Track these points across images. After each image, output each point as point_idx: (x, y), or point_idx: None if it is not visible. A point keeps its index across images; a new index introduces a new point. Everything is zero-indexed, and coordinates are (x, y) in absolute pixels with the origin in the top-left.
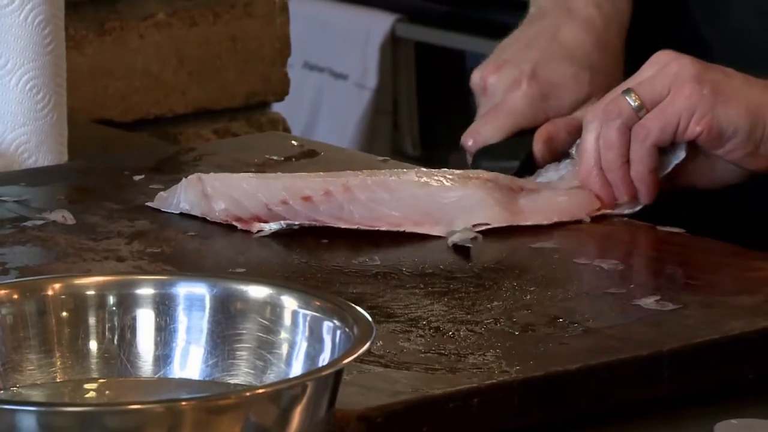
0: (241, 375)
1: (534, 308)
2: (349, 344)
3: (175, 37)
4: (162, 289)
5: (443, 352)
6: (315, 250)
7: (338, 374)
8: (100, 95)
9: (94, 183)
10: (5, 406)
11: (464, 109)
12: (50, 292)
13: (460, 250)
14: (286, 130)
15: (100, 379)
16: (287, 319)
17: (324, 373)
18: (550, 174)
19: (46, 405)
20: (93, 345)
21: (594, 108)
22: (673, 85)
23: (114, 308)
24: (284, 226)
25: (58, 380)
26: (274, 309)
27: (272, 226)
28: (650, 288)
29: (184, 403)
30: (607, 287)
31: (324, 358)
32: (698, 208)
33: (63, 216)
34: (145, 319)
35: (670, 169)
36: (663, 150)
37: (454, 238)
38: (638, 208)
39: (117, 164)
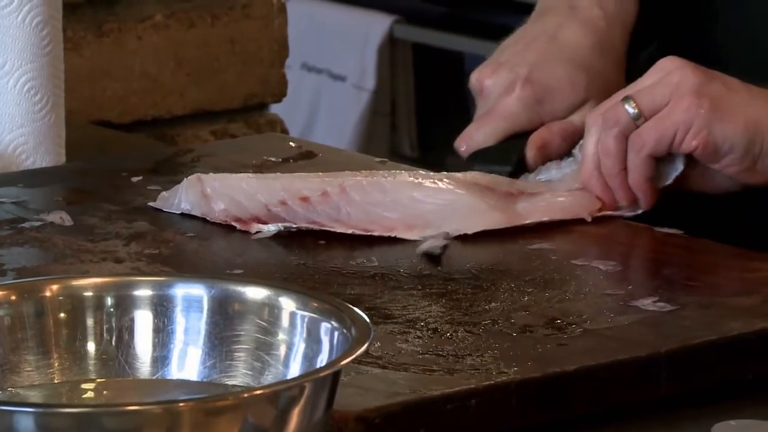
0: (239, 376)
1: (532, 309)
2: (347, 345)
3: (173, 38)
4: (160, 291)
5: (441, 353)
6: (313, 251)
7: (336, 375)
8: (98, 97)
9: (92, 184)
10: (3, 407)
11: (462, 111)
12: (48, 294)
13: (459, 251)
14: (284, 131)
15: (97, 380)
16: (285, 321)
17: (322, 374)
18: (552, 172)
19: (44, 406)
20: (91, 346)
21: (595, 112)
22: (672, 96)
23: (112, 309)
24: (282, 228)
25: (55, 381)
26: (272, 310)
27: (270, 228)
28: (648, 289)
29: (182, 404)
30: (605, 288)
31: (322, 360)
32: (696, 209)
33: (61, 217)
34: (143, 321)
35: (670, 181)
36: (662, 159)
37: (423, 247)
38: (639, 211)
39: (115, 166)
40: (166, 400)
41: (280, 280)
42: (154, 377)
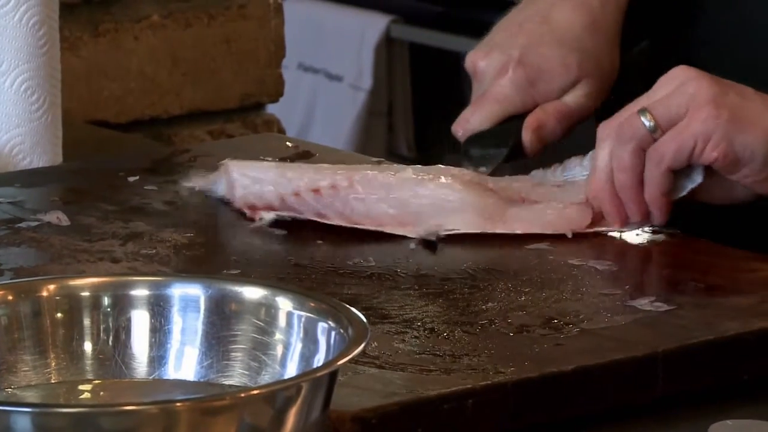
0: (236, 376)
1: (529, 309)
2: (344, 345)
3: (169, 38)
4: (157, 291)
5: (438, 353)
6: (310, 251)
7: (333, 375)
8: (94, 97)
9: (88, 184)
10: (0, 408)
11: (459, 111)
12: (45, 294)
13: (456, 250)
14: (281, 131)
15: (94, 380)
16: (282, 321)
17: (319, 374)
18: (575, 170)
19: (41, 406)
20: (88, 346)
21: (608, 124)
22: (690, 107)
23: (109, 309)
24: (275, 217)
25: (52, 381)
26: (268, 310)
27: (267, 216)
28: (645, 289)
29: (178, 404)
30: (602, 288)
31: (319, 360)
32: (693, 208)
33: (58, 217)
34: (140, 321)
35: (685, 192)
36: (678, 171)
37: (421, 233)
38: (638, 228)
39: (112, 165)
40: (163, 400)
41: (277, 280)
42: (151, 377)
